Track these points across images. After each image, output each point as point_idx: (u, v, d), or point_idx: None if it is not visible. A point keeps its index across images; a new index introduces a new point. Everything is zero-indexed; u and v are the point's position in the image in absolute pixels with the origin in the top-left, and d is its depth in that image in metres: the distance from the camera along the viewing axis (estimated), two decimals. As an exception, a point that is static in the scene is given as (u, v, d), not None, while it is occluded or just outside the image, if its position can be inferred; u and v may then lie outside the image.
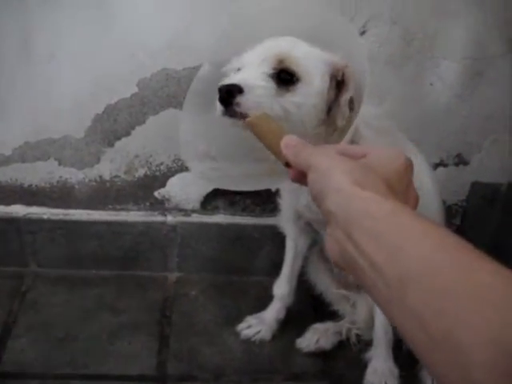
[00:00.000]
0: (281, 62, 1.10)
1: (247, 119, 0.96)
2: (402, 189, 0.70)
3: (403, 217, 0.60)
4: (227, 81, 1.08)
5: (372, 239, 0.59)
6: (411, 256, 0.56)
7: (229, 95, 1.05)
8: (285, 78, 1.09)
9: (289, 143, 0.79)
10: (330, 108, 1.15)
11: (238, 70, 1.13)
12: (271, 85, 1.08)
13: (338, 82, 1.14)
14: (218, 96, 1.06)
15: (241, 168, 1.26)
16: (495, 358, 0.47)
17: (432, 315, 0.52)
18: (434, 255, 0.55)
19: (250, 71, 1.10)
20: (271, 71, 1.09)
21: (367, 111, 1.25)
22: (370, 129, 1.24)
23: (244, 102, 1.05)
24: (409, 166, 0.72)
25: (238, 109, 1.05)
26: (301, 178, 0.76)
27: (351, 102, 1.13)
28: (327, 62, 1.13)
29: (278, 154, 0.81)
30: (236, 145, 1.23)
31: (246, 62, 1.12)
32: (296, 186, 1.27)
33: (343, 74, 1.12)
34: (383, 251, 0.58)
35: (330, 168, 0.68)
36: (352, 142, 1.21)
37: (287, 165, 0.79)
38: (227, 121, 1.08)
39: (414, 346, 0.55)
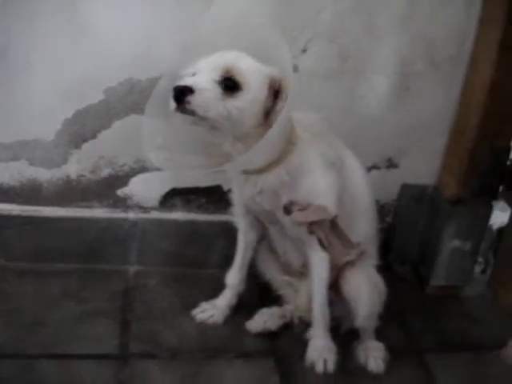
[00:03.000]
0: (227, 71, 1.33)
1: None
2: None
3: None
4: (181, 82, 1.30)
5: None
6: None
7: (181, 94, 1.28)
8: (230, 85, 1.33)
9: None
10: (268, 113, 1.37)
11: (193, 75, 1.35)
12: (218, 90, 1.32)
13: (275, 92, 1.36)
14: (172, 94, 1.29)
15: (194, 160, 1.47)
16: None
17: None
18: None
19: (202, 77, 1.32)
20: (219, 78, 1.32)
21: (304, 117, 1.47)
22: (307, 132, 1.46)
23: (194, 100, 1.28)
24: None
25: (188, 106, 1.29)
26: None
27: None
28: (266, 75, 1.36)
29: None
30: (188, 140, 1.45)
31: (200, 68, 1.35)
32: (242, 179, 1.48)
33: (279, 86, 1.35)
34: None
35: None
36: (290, 142, 1.43)
37: None
38: (179, 116, 1.32)
39: None
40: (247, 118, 1.35)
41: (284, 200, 1.47)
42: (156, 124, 1.44)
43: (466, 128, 1.84)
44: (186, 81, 1.30)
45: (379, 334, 1.70)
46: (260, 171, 1.44)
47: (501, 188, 1.91)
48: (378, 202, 1.89)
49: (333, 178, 1.49)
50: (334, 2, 1.70)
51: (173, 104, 1.30)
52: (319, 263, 1.56)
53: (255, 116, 1.36)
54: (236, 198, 1.64)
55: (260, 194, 1.48)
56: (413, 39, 1.78)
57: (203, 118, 1.30)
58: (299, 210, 1.45)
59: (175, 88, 1.28)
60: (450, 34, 1.80)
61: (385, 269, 1.73)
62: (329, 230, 1.49)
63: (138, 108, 1.72)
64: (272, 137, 1.29)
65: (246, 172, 1.47)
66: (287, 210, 1.46)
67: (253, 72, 1.34)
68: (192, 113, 1.29)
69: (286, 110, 1.30)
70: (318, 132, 1.48)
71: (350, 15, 1.72)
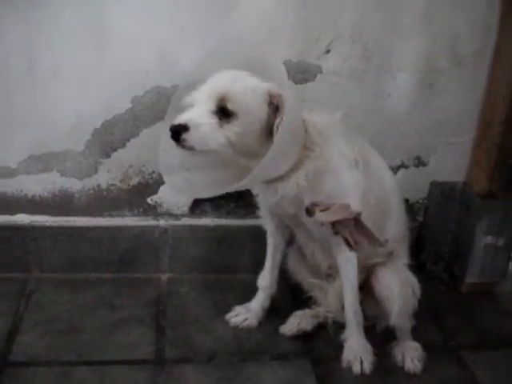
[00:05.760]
0: (221, 100, 1.34)
1: None
2: None
3: None
4: (176, 121, 1.34)
5: None
6: None
7: (177, 133, 1.31)
8: (226, 112, 1.34)
9: None
10: (272, 127, 1.37)
11: (192, 105, 1.37)
12: (214, 120, 1.34)
13: (276, 107, 1.37)
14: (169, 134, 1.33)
15: (212, 175, 1.49)
16: None
17: None
18: None
19: (197, 109, 1.35)
20: (214, 108, 1.34)
21: (320, 120, 1.47)
22: (322, 135, 1.45)
23: (189, 137, 1.32)
24: None
25: (185, 143, 1.32)
26: None
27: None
28: (264, 92, 1.37)
29: None
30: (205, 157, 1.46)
31: (197, 98, 1.37)
32: (265, 186, 1.48)
33: (278, 101, 1.36)
34: None
35: None
36: (306, 148, 1.43)
37: None
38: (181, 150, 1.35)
39: None
40: (249, 138, 1.37)
41: (306, 202, 1.47)
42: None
43: (493, 122, 1.83)
44: (180, 118, 1.33)
45: (415, 334, 1.69)
46: (279, 179, 1.45)
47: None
48: (407, 200, 1.90)
49: (355, 177, 1.50)
50: (356, 2, 1.71)
51: (172, 142, 1.33)
52: (346, 263, 1.57)
53: (258, 134, 1.38)
54: (261, 201, 1.65)
55: (282, 200, 1.49)
56: (435, 36, 1.78)
57: (204, 151, 1.34)
58: (321, 210, 1.45)
59: (170, 128, 1.32)
60: (473, 29, 1.79)
61: (418, 269, 1.73)
62: (353, 228, 1.48)
63: (165, 115, 1.74)
64: (276, 150, 1.29)
65: (266, 181, 1.49)
66: (309, 211, 1.47)
67: (250, 93, 1.36)
68: (191, 148, 1.33)
69: (286, 123, 1.30)
70: (336, 133, 1.48)
71: (371, 14, 1.73)
